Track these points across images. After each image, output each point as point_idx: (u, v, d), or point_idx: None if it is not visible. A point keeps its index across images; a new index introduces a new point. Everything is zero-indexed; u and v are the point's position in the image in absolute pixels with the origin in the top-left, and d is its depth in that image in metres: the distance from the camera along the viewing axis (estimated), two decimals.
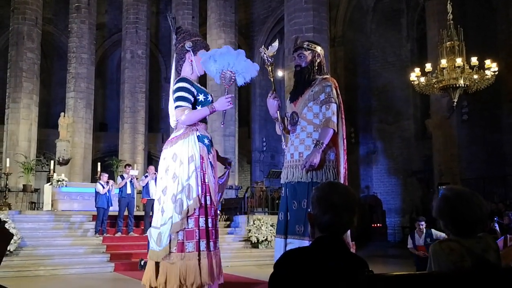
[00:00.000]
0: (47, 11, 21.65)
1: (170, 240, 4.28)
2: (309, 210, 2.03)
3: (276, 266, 1.75)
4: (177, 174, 4.35)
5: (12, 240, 7.85)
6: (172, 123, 4.68)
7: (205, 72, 4.61)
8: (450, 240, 1.90)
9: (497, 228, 8.72)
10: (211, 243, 4.38)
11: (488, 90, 11.43)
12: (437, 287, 1.66)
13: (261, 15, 22.87)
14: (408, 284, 1.65)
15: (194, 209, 4.31)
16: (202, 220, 4.36)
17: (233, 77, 4.38)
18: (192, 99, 4.44)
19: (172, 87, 4.56)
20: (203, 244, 4.32)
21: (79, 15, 19.65)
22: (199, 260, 4.26)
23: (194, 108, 4.50)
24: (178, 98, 4.41)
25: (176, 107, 4.41)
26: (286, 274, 1.70)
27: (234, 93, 4.08)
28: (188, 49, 4.59)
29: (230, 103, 4.38)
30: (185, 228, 4.28)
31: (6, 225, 8.46)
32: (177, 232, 4.27)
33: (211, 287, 4.29)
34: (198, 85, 4.62)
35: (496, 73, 10.72)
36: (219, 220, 11.74)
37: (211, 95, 4.67)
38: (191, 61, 4.61)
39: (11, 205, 13.72)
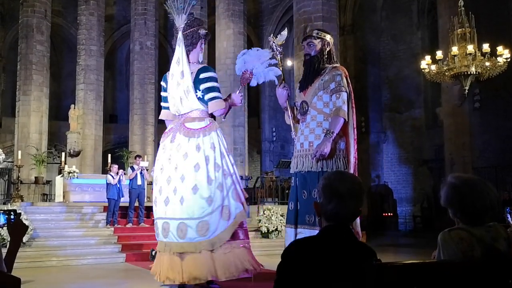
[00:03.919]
0: (56, 4, 21.70)
1: (224, 229, 4.39)
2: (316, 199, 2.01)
3: (284, 256, 1.74)
4: (220, 165, 4.42)
5: None
6: (185, 110, 4.60)
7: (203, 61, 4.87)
8: (459, 229, 1.87)
9: (510, 219, 8.59)
10: None
11: (501, 77, 11.26)
12: (446, 276, 1.63)
13: (270, 4, 22.71)
14: (417, 273, 1.64)
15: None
16: None
17: (250, 79, 4.58)
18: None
19: (188, 71, 4.52)
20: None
21: (88, 7, 19.66)
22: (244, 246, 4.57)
23: None
24: (214, 89, 4.49)
25: (213, 98, 4.44)
26: (293, 263, 1.69)
27: (244, 90, 4.56)
28: (202, 36, 4.61)
29: (242, 102, 4.55)
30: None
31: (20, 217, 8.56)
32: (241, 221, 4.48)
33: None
34: None
35: (509, 59, 10.55)
36: None
37: None
38: (201, 49, 4.63)
39: (23, 197, 13.87)
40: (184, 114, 4.58)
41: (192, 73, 4.46)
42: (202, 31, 4.61)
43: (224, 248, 4.30)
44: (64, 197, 13.89)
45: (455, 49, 10.44)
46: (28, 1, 18.68)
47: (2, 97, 23.73)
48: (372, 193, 20.06)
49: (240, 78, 4.73)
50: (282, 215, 10.56)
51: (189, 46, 4.60)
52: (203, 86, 4.40)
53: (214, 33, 17.86)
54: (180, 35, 4.60)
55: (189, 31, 4.60)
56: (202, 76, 4.42)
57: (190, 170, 4.42)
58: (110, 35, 24.12)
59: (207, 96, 4.40)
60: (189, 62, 4.55)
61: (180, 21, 4.59)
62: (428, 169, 19.41)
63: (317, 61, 4.42)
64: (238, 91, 4.52)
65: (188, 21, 4.61)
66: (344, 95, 4.28)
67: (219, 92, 4.44)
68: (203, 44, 4.64)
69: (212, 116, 4.64)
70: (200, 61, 4.69)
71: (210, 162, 4.37)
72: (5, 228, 6.07)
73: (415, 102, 20.17)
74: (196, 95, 4.43)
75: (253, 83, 4.74)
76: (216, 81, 4.49)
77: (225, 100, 4.59)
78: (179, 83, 4.52)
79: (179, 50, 4.57)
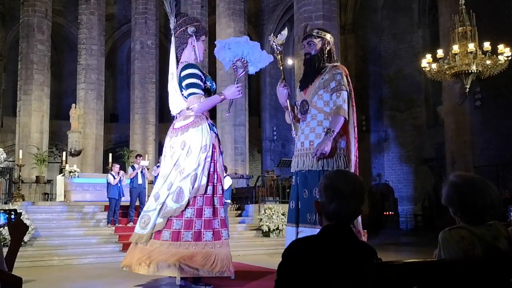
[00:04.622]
0: (56, 3, 21.71)
1: (154, 225, 4.33)
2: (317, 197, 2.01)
3: (284, 255, 1.74)
4: (180, 163, 4.34)
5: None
6: (176, 110, 4.61)
7: (204, 60, 4.68)
8: (460, 228, 1.87)
9: None
10: (224, 232, 4.43)
11: (502, 75, 11.25)
12: (447, 275, 1.63)
13: (271, 3, 22.69)
14: (418, 272, 1.63)
15: (194, 197, 4.32)
16: (208, 211, 4.35)
17: (246, 66, 4.42)
18: (203, 85, 4.44)
19: (176, 72, 4.52)
20: (208, 235, 4.31)
21: (89, 6, 19.67)
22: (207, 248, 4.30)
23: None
24: (191, 85, 4.38)
25: (190, 94, 4.38)
26: (294, 262, 1.69)
27: (243, 82, 4.22)
28: (191, 34, 4.55)
29: (240, 92, 4.40)
30: (183, 217, 4.30)
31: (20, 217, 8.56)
32: (168, 218, 4.31)
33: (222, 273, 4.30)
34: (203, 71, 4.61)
35: (510, 58, 10.53)
36: (230, 209, 11.79)
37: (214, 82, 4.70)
38: (194, 46, 4.57)
39: (24, 196, 13.87)
40: (176, 114, 4.63)
41: (177, 73, 4.47)
42: (190, 29, 4.52)
43: (143, 243, 4.39)
44: (65, 196, 13.90)
45: (456, 48, 10.43)
46: (28, 1, 18.68)
47: (3, 96, 23.74)
48: (373, 192, 20.05)
49: (233, 69, 4.59)
50: (283, 214, 10.56)
51: (180, 47, 4.59)
52: (183, 84, 4.40)
53: (215, 32, 17.85)
54: (173, 37, 4.63)
55: (178, 32, 4.59)
56: (182, 74, 4.42)
57: (162, 168, 4.69)
58: (110, 35, 24.14)
59: (185, 93, 4.41)
60: (181, 62, 4.54)
61: (172, 24, 4.62)
62: (429, 168, 19.39)
63: (317, 60, 4.43)
64: (235, 83, 4.48)
65: (177, 22, 4.60)
66: (345, 94, 4.28)
67: (197, 87, 4.36)
68: (195, 41, 4.55)
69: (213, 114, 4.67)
70: (200, 59, 4.66)
71: (172, 160, 4.41)
72: (6, 227, 6.08)
73: (416, 101, 20.15)
74: (182, 94, 4.44)
75: (252, 71, 4.55)
76: (195, 77, 4.36)
77: (219, 94, 4.53)
78: (171, 84, 4.57)
79: (171, 52, 4.62)
